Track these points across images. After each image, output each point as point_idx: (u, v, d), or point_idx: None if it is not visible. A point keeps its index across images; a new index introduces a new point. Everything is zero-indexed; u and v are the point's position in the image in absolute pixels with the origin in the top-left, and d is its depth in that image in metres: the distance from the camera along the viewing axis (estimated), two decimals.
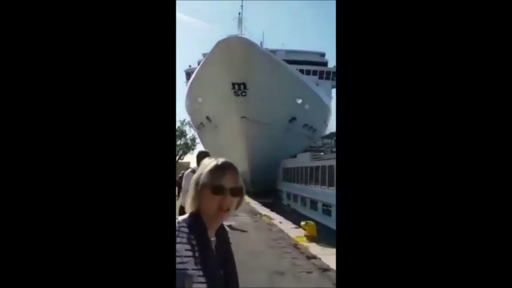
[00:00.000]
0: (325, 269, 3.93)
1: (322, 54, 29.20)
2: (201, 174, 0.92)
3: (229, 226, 1.31)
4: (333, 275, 3.61)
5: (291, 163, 19.71)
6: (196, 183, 0.92)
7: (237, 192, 0.90)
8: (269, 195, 20.40)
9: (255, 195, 18.28)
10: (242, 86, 16.26)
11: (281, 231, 6.50)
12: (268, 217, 8.62)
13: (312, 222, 6.01)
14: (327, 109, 26.05)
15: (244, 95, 16.68)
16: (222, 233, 0.95)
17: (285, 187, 20.54)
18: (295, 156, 19.36)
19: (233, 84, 16.18)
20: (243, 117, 17.88)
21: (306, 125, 22.14)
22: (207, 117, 21.03)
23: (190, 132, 46.08)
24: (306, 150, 19.48)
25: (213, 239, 0.91)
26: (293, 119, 20.37)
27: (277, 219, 8.46)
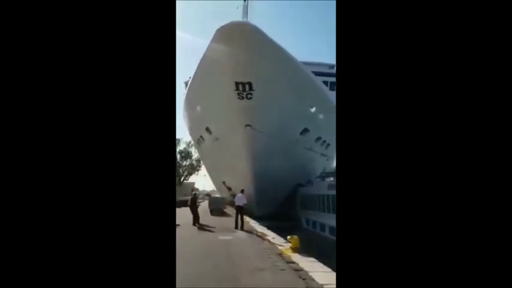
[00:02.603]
0: (297, 269, 4.46)
1: (332, 66, 25.75)
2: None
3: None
4: (302, 273, 4.22)
5: (308, 190, 18.56)
6: None
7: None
8: (281, 220, 16.08)
9: (259, 219, 13.99)
10: (247, 87, 12.35)
11: (271, 243, 7.01)
12: (262, 233, 8.89)
13: (295, 236, 6.26)
14: None
15: (250, 98, 12.75)
16: None
17: (303, 213, 18.36)
18: (309, 182, 18.61)
19: (237, 84, 12.29)
20: (247, 125, 13.86)
21: (319, 138, 18.01)
22: (207, 129, 17.01)
23: (196, 153, 44.01)
24: (321, 176, 19.33)
25: None
26: (305, 130, 16.28)
27: (270, 235, 8.61)
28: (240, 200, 9.96)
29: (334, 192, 13.72)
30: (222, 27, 10.81)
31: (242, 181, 16.55)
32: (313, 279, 3.90)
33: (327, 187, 15.76)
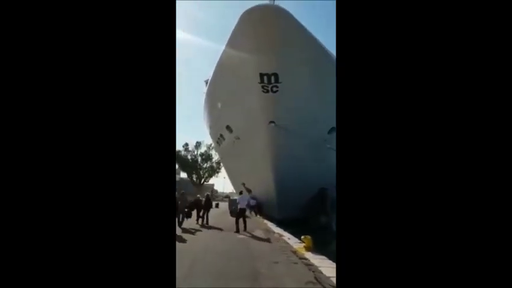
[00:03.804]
0: (308, 264, 4.77)
1: None
2: None
3: None
4: (312, 267, 4.57)
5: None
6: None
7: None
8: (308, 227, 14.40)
9: (282, 224, 12.35)
10: (273, 78, 10.92)
11: (286, 243, 7.24)
12: (279, 233, 8.89)
13: (309, 236, 6.33)
14: None
15: (276, 91, 11.30)
16: None
17: (334, 218, 16.21)
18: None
19: (261, 75, 10.89)
20: (271, 122, 12.40)
21: None
22: (227, 127, 15.71)
23: (216, 155, 43.45)
24: None
25: None
26: (333, 129, 14.57)
27: (286, 235, 8.50)
28: (244, 201, 9.52)
29: None
30: (247, 10, 9.47)
31: (263, 182, 15.07)
32: (321, 272, 4.25)
33: None
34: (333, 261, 4.93)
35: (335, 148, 14.19)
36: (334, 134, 14.73)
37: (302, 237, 6.66)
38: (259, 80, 10.98)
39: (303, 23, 9.91)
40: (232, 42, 10.55)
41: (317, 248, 6.24)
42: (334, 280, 3.75)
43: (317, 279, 3.82)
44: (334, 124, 14.31)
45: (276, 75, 10.78)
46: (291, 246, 6.60)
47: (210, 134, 20.88)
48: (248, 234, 8.36)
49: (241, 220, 9.01)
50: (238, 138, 15.27)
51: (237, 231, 8.65)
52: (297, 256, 5.45)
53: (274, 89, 11.16)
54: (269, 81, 10.97)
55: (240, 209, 9.23)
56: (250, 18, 9.45)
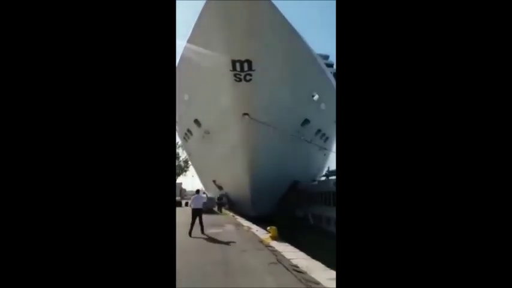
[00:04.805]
0: (272, 250, 5.33)
1: (326, 57, 23.82)
2: None
3: None
4: (276, 252, 5.18)
5: (315, 188, 17.78)
6: None
7: None
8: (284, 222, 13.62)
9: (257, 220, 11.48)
10: (246, 66, 9.88)
11: (254, 234, 7.73)
12: (248, 226, 9.31)
13: (274, 227, 6.94)
14: None
15: (249, 80, 10.30)
16: None
17: (311, 210, 17.18)
18: (313, 181, 17.58)
19: (233, 62, 9.79)
20: (245, 114, 11.40)
21: (319, 131, 15.82)
22: (196, 121, 14.35)
23: (184, 154, 41.20)
24: (326, 175, 19.47)
25: None
26: (306, 121, 14.03)
27: (254, 227, 8.92)
28: (199, 201, 8.14)
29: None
30: None
31: (236, 179, 14.07)
32: (283, 256, 4.89)
33: (332, 184, 14.83)
34: (295, 248, 5.56)
35: (309, 140, 13.67)
36: (307, 126, 14.21)
37: (268, 227, 7.10)
38: (231, 68, 9.88)
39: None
40: (200, 25, 9.28)
41: (283, 237, 6.83)
42: (294, 261, 4.42)
43: (278, 261, 4.51)
44: (306, 116, 13.78)
45: (249, 62, 9.76)
46: (258, 237, 7.11)
47: (177, 130, 19.21)
48: (231, 226, 8.09)
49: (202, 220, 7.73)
50: (208, 133, 14.02)
51: (190, 233, 7.27)
52: (263, 244, 6.05)
53: (248, 77, 10.15)
54: (242, 69, 9.92)
55: (194, 209, 7.79)
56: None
